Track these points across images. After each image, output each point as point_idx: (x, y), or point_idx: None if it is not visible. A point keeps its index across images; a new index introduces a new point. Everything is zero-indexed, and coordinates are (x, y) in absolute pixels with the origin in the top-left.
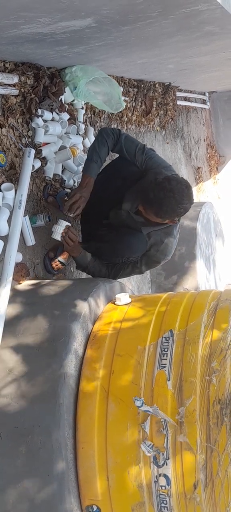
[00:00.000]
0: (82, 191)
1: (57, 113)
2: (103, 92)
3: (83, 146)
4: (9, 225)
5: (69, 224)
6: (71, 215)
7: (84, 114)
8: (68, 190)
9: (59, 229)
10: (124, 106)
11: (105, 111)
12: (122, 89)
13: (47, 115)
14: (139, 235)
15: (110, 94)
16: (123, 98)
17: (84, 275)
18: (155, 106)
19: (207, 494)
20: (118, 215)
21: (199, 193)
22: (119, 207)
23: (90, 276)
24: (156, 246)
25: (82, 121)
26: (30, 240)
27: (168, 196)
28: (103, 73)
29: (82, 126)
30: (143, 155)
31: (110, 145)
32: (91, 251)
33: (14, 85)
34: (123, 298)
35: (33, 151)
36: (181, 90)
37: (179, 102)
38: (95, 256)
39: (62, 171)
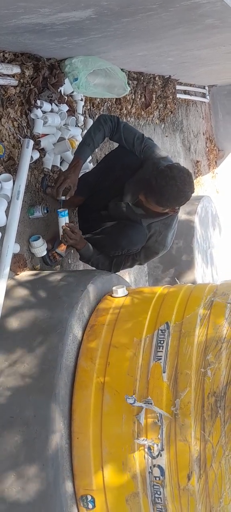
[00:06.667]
0: (71, 174)
1: (56, 105)
2: (103, 83)
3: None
4: (7, 216)
5: (39, 238)
6: (58, 199)
7: (83, 106)
8: None
9: (37, 250)
10: (128, 91)
11: (104, 103)
12: (125, 74)
13: (46, 106)
14: (139, 227)
15: (112, 84)
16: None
17: (81, 267)
18: (154, 99)
19: (200, 485)
20: (117, 206)
21: (197, 187)
22: (119, 198)
23: (89, 268)
24: (154, 236)
25: (81, 113)
26: None
27: (170, 184)
28: (105, 62)
29: (81, 118)
30: (142, 144)
31: (106, 131)
32: (90, 243)
33: (13, 76)
34: (119, 291)
35: (31, 142)
36: (180, 83)
37: (178, 95)
38: (95, 248)
39: (61, 163)
